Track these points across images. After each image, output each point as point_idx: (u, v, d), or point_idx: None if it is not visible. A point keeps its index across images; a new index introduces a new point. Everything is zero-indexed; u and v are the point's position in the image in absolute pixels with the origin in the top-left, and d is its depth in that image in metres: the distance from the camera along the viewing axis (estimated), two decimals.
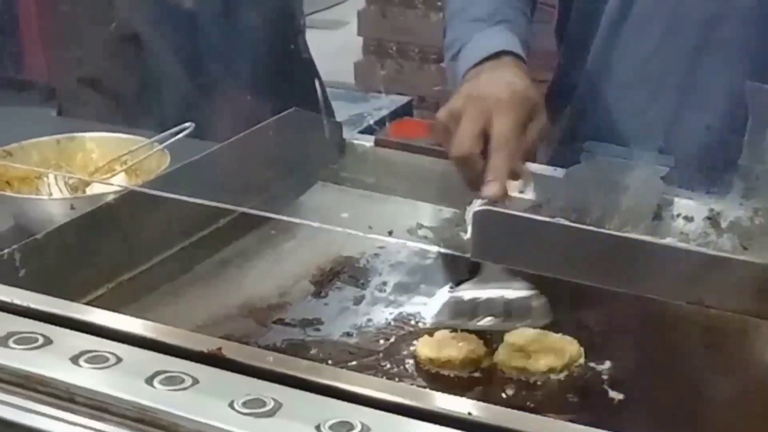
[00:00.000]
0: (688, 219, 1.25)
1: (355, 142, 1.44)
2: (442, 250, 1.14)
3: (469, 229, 1.04)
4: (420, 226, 1.28)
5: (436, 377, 1.03)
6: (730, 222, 1.22)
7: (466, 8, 1.39)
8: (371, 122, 1.54)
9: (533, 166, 1.35)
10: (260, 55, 1.89)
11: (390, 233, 1.23)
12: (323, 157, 1.43)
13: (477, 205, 1.08)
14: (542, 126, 1.20)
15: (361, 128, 1.61)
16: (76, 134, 1.41)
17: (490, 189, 1.10)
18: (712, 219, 1.23)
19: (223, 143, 1.34)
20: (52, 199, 1.29)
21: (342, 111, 1.88)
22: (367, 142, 1.43)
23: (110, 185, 1.30)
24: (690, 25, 1.36)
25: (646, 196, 1.26)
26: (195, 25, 1.75)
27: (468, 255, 1.06)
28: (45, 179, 1.34)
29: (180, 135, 1.37)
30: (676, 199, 1.26)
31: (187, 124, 1.38)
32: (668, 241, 1.10)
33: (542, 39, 1.54)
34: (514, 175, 1.13)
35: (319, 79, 1.88)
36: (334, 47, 1.97)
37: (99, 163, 1.38)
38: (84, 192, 1.32)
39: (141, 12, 1.71)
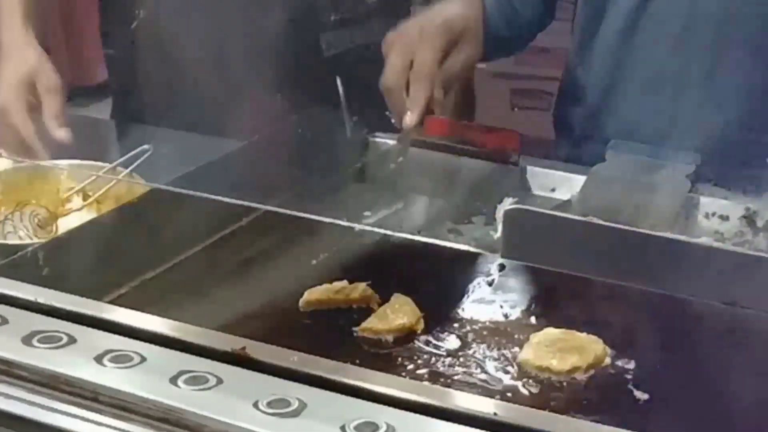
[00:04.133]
0: (724, 218, 1.24)
1: (380, 140, 1.44)
2: (472, 249, 1.13)
3: (499, 227, 1.04)
4: (448, 224, 1.28)
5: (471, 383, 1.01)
6: (766, 221, 1.21)
7: None
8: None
9: (558, 165, 1.35)
10: (282, 52, 1.89)
11: (419, 232, 1.23)
12: (347, 155, 1.42)
13: (507, 204, 1.07)
14: (469, 52, 1.21)
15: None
16: (40, 162, 1.38)
17: (406, 119, 1.19)
18: (748, 218, 1.22)
19: (246, 142, 1.34)
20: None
21: None
22: (392, 140, 1.43)
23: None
24: (709, 20, 1.35)
25: (672, 194, 1.25)
26: (215, 22, 1.75)
27: (498, 254, 1.06)
28: (9, 219, 1.27)
29: (141, 159, 1.34)
30: (710, 198, 1.25)
31: (146, 146, 1.35)
32: (703, 240, 1.09)
33: (562, 37, 1.54)
34: (435, 104, 1.19)
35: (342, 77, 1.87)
36: None
37: (63, 195, 1.34)
38: (53, 227, 1.27)
39: (162, 9, 1.71)
